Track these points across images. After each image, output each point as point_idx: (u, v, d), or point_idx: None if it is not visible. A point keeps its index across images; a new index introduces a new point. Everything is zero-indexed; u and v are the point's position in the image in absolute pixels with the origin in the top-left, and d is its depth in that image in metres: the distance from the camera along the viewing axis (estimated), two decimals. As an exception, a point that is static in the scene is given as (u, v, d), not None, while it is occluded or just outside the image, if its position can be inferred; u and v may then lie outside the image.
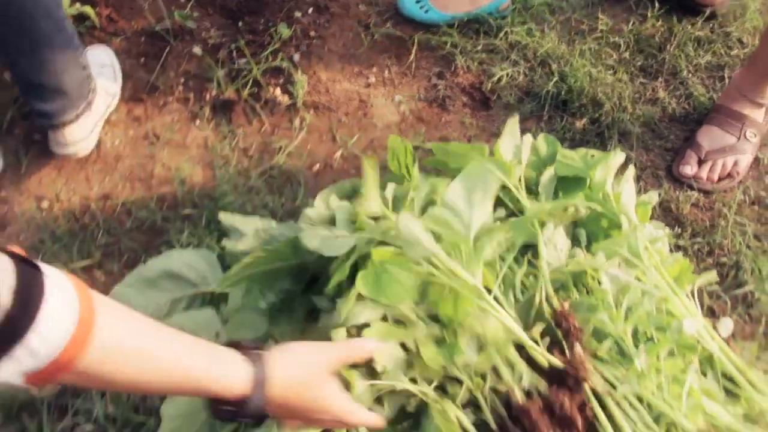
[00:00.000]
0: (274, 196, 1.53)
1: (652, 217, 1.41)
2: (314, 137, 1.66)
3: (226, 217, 1.38)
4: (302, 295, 1.17)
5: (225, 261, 1.32)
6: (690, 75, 1.82)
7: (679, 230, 1.51)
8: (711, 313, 1.39)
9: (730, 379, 1.14)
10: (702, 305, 1.36)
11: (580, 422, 0.97)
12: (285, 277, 1.18)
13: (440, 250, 1.02)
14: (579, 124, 1.70)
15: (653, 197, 1.36)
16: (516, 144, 1.31)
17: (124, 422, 1.22)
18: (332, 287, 1.04)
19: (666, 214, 1.56)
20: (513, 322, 1.01)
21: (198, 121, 1.67)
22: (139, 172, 1.61)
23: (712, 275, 1.22)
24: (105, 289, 1.43)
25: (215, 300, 1.28)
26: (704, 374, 1.13)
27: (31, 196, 1.58)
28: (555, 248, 1.15)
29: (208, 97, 1.70)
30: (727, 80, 1.79)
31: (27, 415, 1.28)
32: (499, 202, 1.22)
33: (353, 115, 1.70)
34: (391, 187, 1.17)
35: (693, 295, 1.19)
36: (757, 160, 1.67)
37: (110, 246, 1.51)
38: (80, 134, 1.52)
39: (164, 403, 1.13)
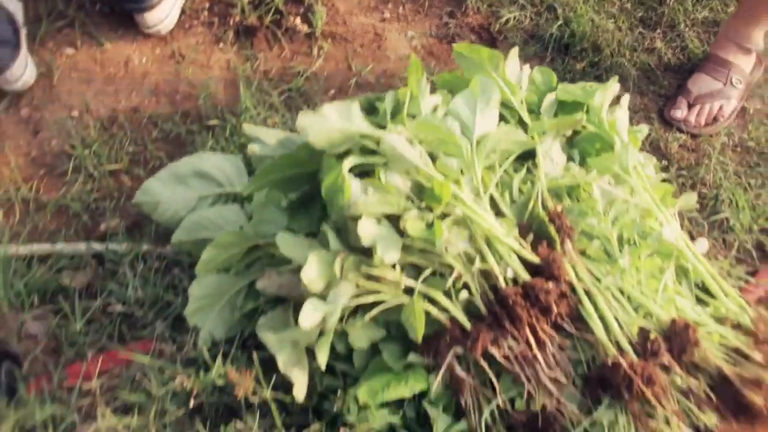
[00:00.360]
0: (292, 114, 1.64)
1: (642, 150, 1.53)
2: (331, 65, 1.76)
3: (249, 128, 1.48)
4: (319, 195, 1.28)
5: (249, 167, 1.44)
6: (687, 28, 1.93)
7: (666, 164, 1.63)
8: (689, 237, 1.51)
9: (702, 290, 1.27)
10: (681, 228, 1.49)
11: (555, 310, 1.09)
12: (303, 180, 1.29)
13: (423, 161, 1.12)
14: (579, 66, 1.81)
15: (644, 129, 1.48)
16: (518, 71, 1.41)
17: (153, 302, 1.34)
18: (328, 184, 1.13)
19: (655, 151, 1.67)
20: (493, 220, 1.13)
21: (221, 45, 1.77)
22: (164, 88, 1.70)
23: (692, 197, 1.35)
24: (131, 192, 1.55)
25: (239, 200, 1.40)
26: (679, 283, 1.26)
27: (62, 105, 1.68)
28: (552, 161, 1.27)
29: (231, 22, 1.79)
30: (721, 34, 1.90)
31: (62, 297, 1.39)
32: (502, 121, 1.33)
33: (368, 47, 1.80)
34: (390, 96, 1.26)
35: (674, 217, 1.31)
36: (743, 110, 1.79)
37: (137, 154, 1.61)
38: (162, 14, 1.70)
39: (192, 284, 1.25)
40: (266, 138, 1.46)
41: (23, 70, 1.61)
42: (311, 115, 1.08)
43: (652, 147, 1.68)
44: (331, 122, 1.08)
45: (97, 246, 1.47)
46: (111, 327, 1.34)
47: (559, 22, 1.85)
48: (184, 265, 1.37)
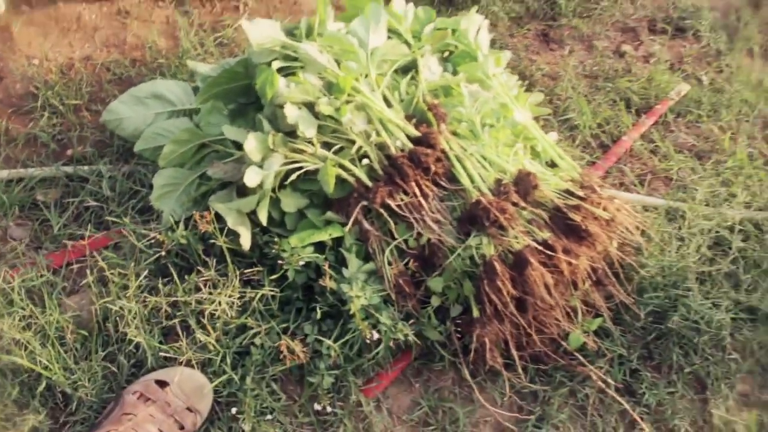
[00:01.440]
0: (225, 57, 1.97)
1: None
2: (255, 17, 2.10)
3: (191, 63, 1.82)
4: (253, 105, 1.63)
5: (195, 91, 1.76)
6: (548, -16, 2.37)
7: (529, 84, 2.05)
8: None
9: (551, 166, 1.68)
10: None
11: (434, 168, 1.47)
12: (240, 92, 1.63)
13: (331, 64, 1.49)
14: (458, 14, 2.21)
15: (507, 54, 1.88)
16: (404, 6, 1.80)
17: (122, 194, 1.65)
18: (260, 81, 1.48)
19: (522, 77, 2.09)
20: (384, 105, 1.50)
21: (161, 2, 2.08)
22: (113, 40, 2.01)
23: (539, 95, 1.77)
24: (92, 124, 1.85)
25: (188, 115, 1.72)
26: (532, 158, 1.67)
27: (23, 55, 1.96)
28: (430, 71, 1.66)
29: (167, -16, 2.11)
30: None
31: (43, 206, 1.68)
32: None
33: (285, 2, 2.16)
34: (304, 21, 1.62)
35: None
36: (593, 47, 2.24)
37: (94, 93, 1.91)
38: None
39: (155, 176, 1.57)
40: (205, 70, 1.79)
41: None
42: (251, 22, 1.43)
43: (520, 74, 2.10)
44: (264, 29, 1.44)
45: (67, 168, 1.75)
46: (87, 222, 1.64)
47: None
48: (147, 169, 1.68)
